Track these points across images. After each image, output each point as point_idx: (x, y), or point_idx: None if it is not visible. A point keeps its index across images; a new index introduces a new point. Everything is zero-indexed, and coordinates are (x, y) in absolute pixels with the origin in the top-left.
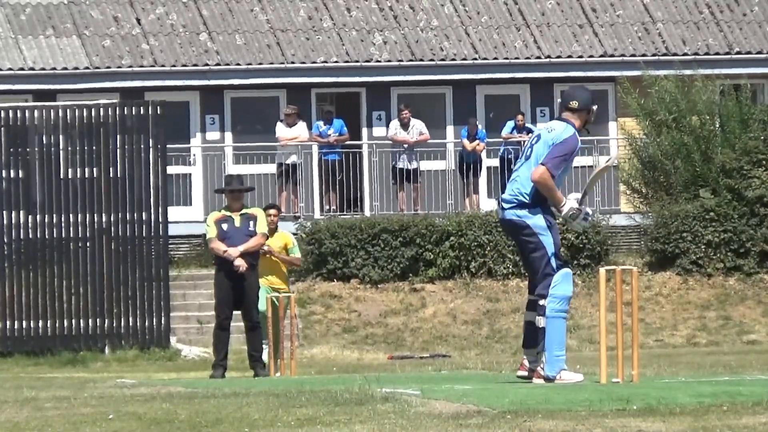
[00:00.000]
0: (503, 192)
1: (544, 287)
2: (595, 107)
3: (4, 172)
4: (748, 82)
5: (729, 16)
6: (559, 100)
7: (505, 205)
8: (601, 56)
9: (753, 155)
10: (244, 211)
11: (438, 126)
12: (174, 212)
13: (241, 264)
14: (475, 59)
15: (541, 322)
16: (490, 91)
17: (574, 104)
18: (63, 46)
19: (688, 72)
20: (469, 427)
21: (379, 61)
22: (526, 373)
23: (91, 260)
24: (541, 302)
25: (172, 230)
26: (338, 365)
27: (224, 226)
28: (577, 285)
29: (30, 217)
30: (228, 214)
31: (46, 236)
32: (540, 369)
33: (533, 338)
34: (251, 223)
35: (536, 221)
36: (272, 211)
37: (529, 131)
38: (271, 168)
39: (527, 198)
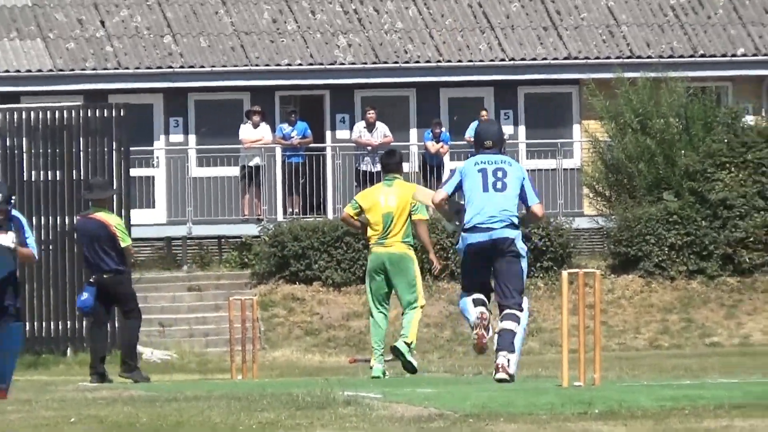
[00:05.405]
0: (479, 215)
1: (519, 301)
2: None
3: None
4: (713, 84)
5: (693, 19)
6: (501, 137)
7: (499, 225)
8: (566, 59)
9: (716, 158)
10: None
11: (402, 129)
12: (137, 215)
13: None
14: (439, 62)
15: (519, 329)
16: (454, 94)
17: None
18: (27, 49)
19: (654, 75)
20: (430, 430)
21: (343, 64)
22: (507, 376)
23: (53, 263)
24: (517, 312)
25: (135, 233)
26: (300, 368)
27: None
28: (539, 288)
29: None
30: None
31: None
32: (507, 366)
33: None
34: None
35: (522, 244)
36: None
37: None
38: (234, 170)
39: (518, 221)
